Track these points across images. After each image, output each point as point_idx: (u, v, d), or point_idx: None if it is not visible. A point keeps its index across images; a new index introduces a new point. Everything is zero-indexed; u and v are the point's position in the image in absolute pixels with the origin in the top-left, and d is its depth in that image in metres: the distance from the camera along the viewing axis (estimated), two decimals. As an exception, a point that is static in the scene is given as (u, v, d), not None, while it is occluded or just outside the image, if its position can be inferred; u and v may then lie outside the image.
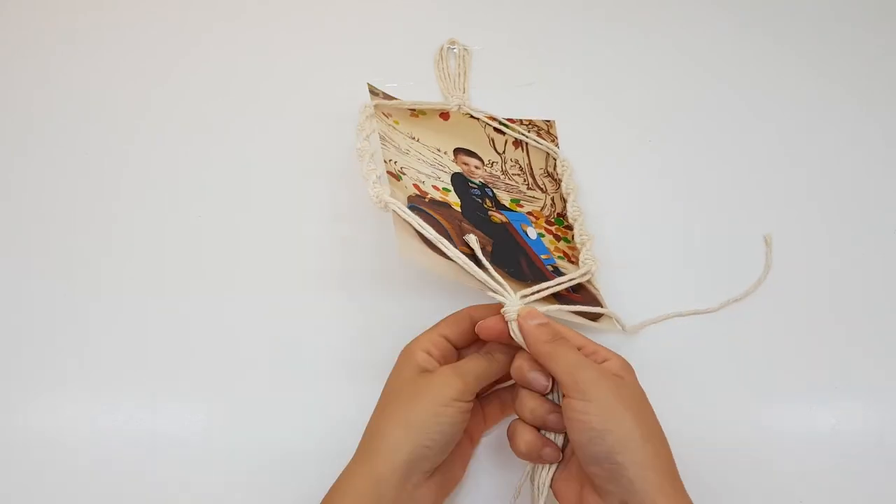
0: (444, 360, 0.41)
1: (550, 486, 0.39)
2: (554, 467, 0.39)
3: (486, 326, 0.41)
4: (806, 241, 0.53)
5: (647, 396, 0.38)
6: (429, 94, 0.60)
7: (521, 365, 0.39)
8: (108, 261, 0.51)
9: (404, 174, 0.48)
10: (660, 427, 0.37)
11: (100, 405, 0.46)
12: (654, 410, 0.38)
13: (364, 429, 0.39)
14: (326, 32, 0.64)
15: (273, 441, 0.45)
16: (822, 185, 0.56)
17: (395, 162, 0.48)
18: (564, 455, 0.39)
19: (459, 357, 0.43)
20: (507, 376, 0.42)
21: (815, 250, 0.53)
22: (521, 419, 0.39)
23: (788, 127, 0.60)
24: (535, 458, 0.39)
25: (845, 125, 0.60)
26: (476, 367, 0.40)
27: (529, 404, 0.39)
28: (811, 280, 0.52)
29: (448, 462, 0.40)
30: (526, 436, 0.39)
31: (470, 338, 0.43)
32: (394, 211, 0.42)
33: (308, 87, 0.60)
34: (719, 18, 0.66)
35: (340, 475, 0.38)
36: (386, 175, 0.46)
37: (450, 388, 0.38)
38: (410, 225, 0.42)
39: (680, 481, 0.35)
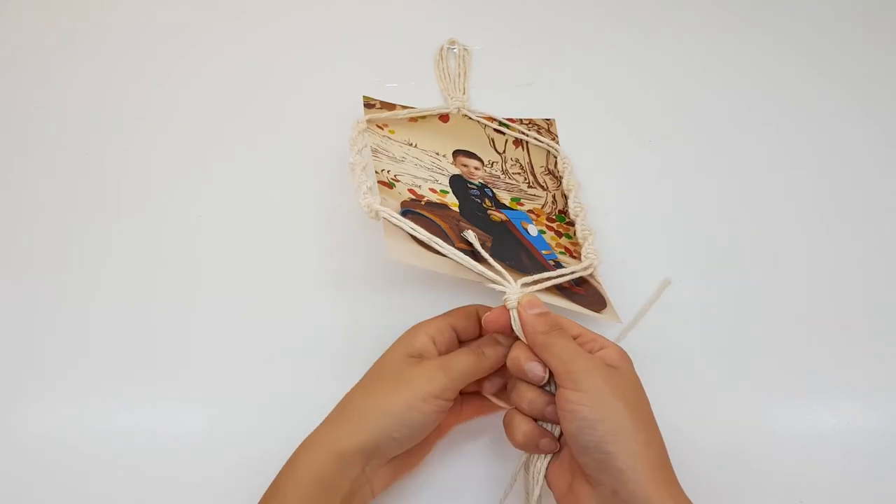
0: (444, 350, 0.41)
1: (545, 475, 0.39)
2: (549, 457, 0.39)
3: (491, 319, 0.40)
4: (806, 240, 0.53)
5: (644, 387, 0.38)
6: (429, 93, 0.60)
7: (517, 356, 0.39)
8: (107, 261, 0.51)
9: (398, 181, 0.48)
10: (653, 417, 0.37)
11: (100, 405, 0.46)
12: (651, 403, 0.38)
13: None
14: (326, 32, 0.64)
15: (273, 441, 0.45)
16: (822, 185, 0.56)
17: (388, 171, 0.49)
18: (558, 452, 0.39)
19: None
20: (502, 369, 0.42)
21: (815, 250, 0.53)
22: (518, 410, 0.39)
23: (788, 127, 0.60)
24: (533, 448, 0.39)
25: (845, 125, 0.60)
26: (463, 364, 0.40)
27: (527, 395, 0.39)
28: (811, 280, 0.52)
29: (409, 449, 0.40)
30: (523, 426, 0.39)
31: (475, 334, 0.43)
32: (384, 218, 0.43)
33: (308, 87, 0.60)
34: (719, 18, 0.66)
35: (304, 441, 0.38)
36: (377, 185, 0.46)
37: (431, 384, 0.38)
38: (402, 229, 0.43)
39: (671, 471, 0.35)
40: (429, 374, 0.39)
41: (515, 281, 0.42)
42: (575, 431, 0.35)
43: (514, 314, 0.39)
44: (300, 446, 0.38)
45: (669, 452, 0.37)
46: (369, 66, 0.61)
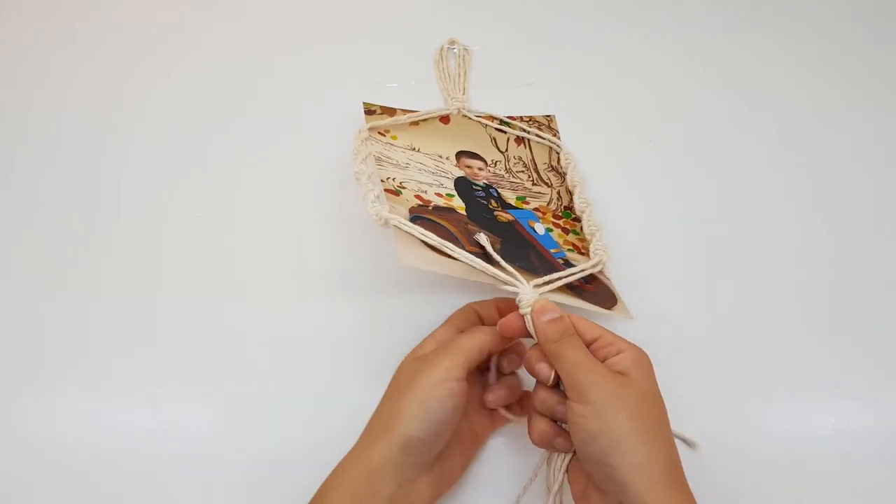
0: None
1: (566, 471, 0.39)
2: (570, 456, 0.39)
3: (507, 325, 0.41)
4: (806, 240, 0.53)
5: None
6: (429, 93, 0.60)
7: (530, 356, 0.40)
8: (107, 260, 0.51)
9: (404, 188, 0.48)
10: (662, 426, 0.36)
11: (100, 405, 0.45)
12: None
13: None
14: (326, 32, 0.64)
15: (273, 441, 0.45)
16: (822, 185, 0.56)
17: (394, 179, 0.49)
18: None
19: None
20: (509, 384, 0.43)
21: (815, 250, 0.53)
22: (535, 409, 0.40)
23: (788, 127, 0.60)
24: (548, 446, 0.39)
25: (845, 125, 0.60)
26: (466, 344, 0.40)
27: (540, 395, 0.39)
28: (811, 280, 0.52)
29: (447, 457, 0.40)
30: (539, 425, 0.39)
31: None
32: (394, 226, 0.43)
33: (308, 87, 0.60)
34: (719, 18, 0.66)
35: (335, 468, 0.38)
36: (384, 194, 0.46)
37: (436, 369, 0.38)
38: (413, 235, 0.43)
39: (680, 482, 0.35)
40: (430, 362, 0.39)
41: (528, 282, 0.42)
42: (580, 442, 0.36)
43: (528, 319, 0.40)
44: (329, 477, 0.38)
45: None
46: (369, 66, 0.61)
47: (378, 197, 0.45)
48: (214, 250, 0.52)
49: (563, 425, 0.39)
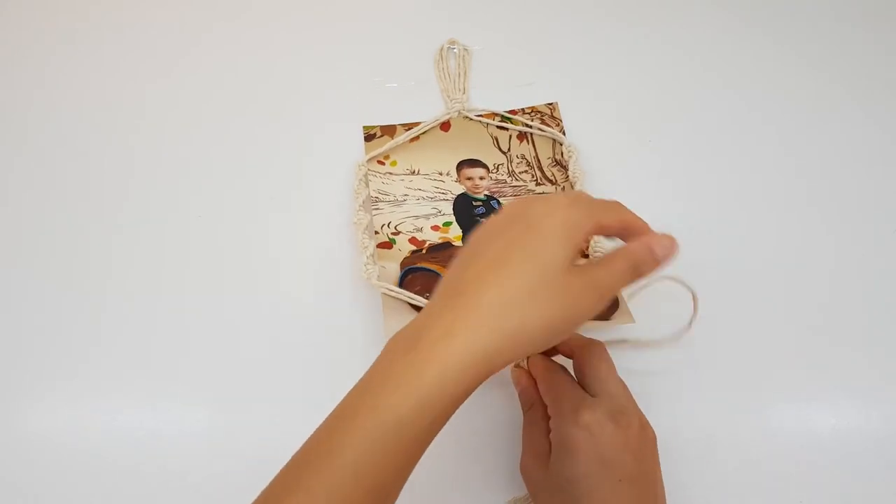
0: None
1: None
2: None
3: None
4: (806, 240, 0.53)
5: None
6: (429, 93, 0.60)
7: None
8: (107, 261, 0.51)
9: (398, 234, 0.50)
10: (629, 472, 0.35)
11: (100, 405, 0.46)
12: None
13: None
14: (327, 32, 0.64)
15: (273, 441, 0.45)
16: (822, 185, 0.56)
17: (389, 224, 0.51)
18: None
19: None
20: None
21: (815, 250, 0.53)
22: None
23: (788, 127, 0.60)
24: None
25: (846, 125, 0.60)
26: (617, 281, 0.34)
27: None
28: (811, 280, 0.52)
29: None
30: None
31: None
32: (382, 293, 0.46)
33: (308, 87, 0.60)
34: (719, 18, 0.66)
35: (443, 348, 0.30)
36: (375, 252, 0.49)
37: (591, 310, 0.32)
38: (400, 299, 0.46)
39: None
40: (593, 298, 0.32)
41: None
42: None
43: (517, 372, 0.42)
44: (436, 354, 0.30)
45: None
46: (369, 66, 0.61)
47: (371, 257, 0.48)
48: (214, 250, 0.52)
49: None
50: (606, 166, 0.57)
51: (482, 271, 0.32)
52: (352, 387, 0.32)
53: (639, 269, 0.34)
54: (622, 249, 0.34)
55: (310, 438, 0.32)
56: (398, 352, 0.31)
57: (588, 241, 0.49)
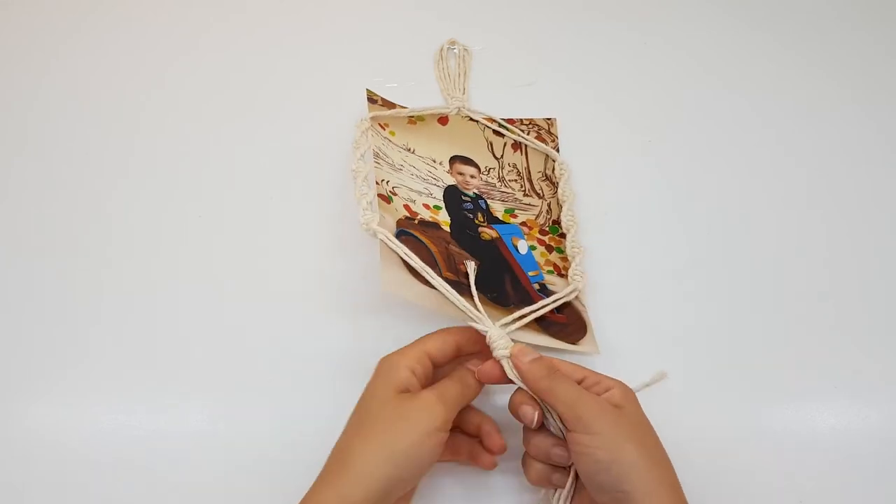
0: (424, 381, 0.40)
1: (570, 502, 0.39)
2: (571, 489, 0.39)
3: (486, 372, 0.41)
4: (805, 240, 0.53)
5: (650, 420, 0.38)
6: (429, 93, 0.60)
7: (513, 400, 0.40)
8: (107, 260, 0.51)
9: (395, 195, 0.49)
10: (663, 452, 0.37)
11: (100, 405, 0.46)
12: (650, 402, 0.38)
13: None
14: (327, 32, 0.64)
15: (272, 441, 0.45)
16: (821, 185, 0.56)
17: (388, 182, 0.49)
18: (577, 482, 0.39)
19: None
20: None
21: (814, 250, 0.53)
22: (528, 454, 0.40)
23: (788, 127, 0.60)
24: (546, 483, 0.40)
25: (846, 126, 0.60)
26: (456, 394, 0.39)
27: (533, 441, 0.39)
28: (811, 279, 0.52)
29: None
30: (535, 466, 0.39)
31: (451, 357, 0.42)
32: (381, 240, 0.43)
33: (308, 87, 0.60)
34: (720, 19, 0.66)
35: (305, 496, 0.36)
36: (376, 199, 0.47)
37: (433, 417, 0.37)
38: (396, 253, 0.43)
39: (685, 502, 0.36)
40: (429, 407, 0.37)
41: (495, 322, 0.42)
42: (590, 473, 0.36)
43: (506, 363, 0.40)
44: None
45: (668, 453, 0.37)
46: (370, 66, 0.61)
47: (370, 203, 0.45)
48: (214, 250, 0.52)
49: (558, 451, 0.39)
50: (606, 166, 0.57)
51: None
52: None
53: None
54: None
55: None
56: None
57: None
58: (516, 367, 0.39)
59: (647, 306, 0.50)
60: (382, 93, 0.56)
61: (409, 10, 0.66)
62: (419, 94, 0.59)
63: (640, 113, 0.60)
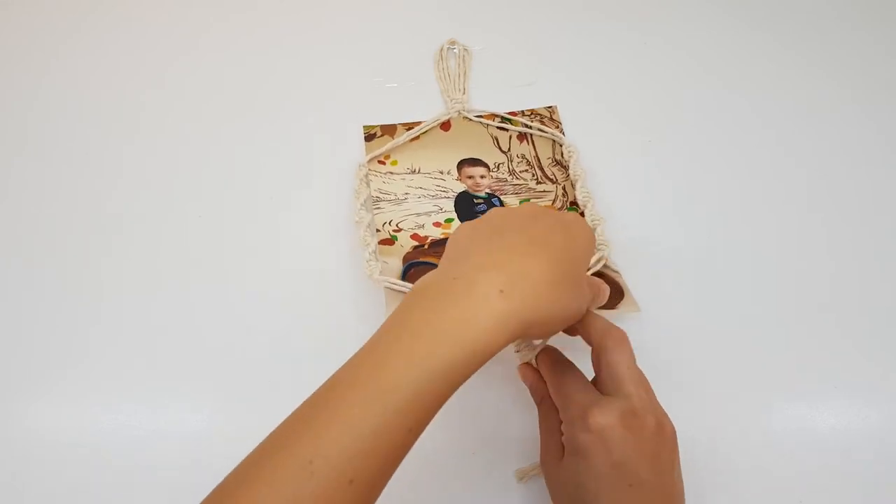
0: None
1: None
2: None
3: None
4: (806, 240, 0.53)
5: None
6: (429, 94, 0.60)
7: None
8: (107, 260, 0.51)
9: (400, 230, 0.50)
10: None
11: (100, 405, 0.45)
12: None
13: None
14: (327, 33, 0.64)
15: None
16: (822, 186, 0.56)
17: (391, 222, 0.51)
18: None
19: None
20: None
21: (814, 250, 0.53)
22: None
23: (788, 127, 0.60)
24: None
25: (846, 126, 0.60)
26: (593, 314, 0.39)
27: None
28: (811, 280, 0.52)
29: None
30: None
31: None
32: (385, 287, 0.46)
33: (309, 87, 0.60)
34: (720, 19, 0.66)
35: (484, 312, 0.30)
36: (377, 248, 0.49)
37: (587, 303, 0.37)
38: (403, 292, 0.45)
39: None
40: (589, 298, 0.37)
41: None
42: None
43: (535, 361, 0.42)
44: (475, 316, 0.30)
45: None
46: (370, 66, 0.61)
47: (373, 252, 0.48)
48: (214, 250, 0.52)
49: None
50: (607, 166, 0.57)
51: (523, 245, 0.33)
52: (368, 342, 0.34)
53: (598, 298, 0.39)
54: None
55: (337, 376, 0.34)
56: (435, 309, 0.31)
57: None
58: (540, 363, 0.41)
59: (647, 306, 0.50)
60: (382, 93, 0.56)
61: (409, 10, 0.66)
62: (419, 94, 0.59)
63: (640, 113, 0.60)
